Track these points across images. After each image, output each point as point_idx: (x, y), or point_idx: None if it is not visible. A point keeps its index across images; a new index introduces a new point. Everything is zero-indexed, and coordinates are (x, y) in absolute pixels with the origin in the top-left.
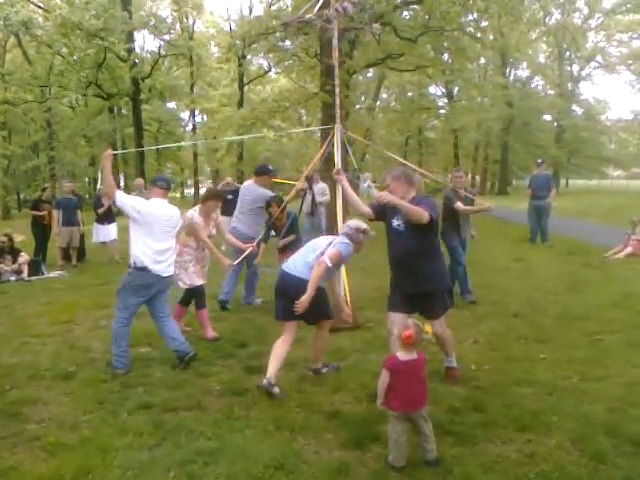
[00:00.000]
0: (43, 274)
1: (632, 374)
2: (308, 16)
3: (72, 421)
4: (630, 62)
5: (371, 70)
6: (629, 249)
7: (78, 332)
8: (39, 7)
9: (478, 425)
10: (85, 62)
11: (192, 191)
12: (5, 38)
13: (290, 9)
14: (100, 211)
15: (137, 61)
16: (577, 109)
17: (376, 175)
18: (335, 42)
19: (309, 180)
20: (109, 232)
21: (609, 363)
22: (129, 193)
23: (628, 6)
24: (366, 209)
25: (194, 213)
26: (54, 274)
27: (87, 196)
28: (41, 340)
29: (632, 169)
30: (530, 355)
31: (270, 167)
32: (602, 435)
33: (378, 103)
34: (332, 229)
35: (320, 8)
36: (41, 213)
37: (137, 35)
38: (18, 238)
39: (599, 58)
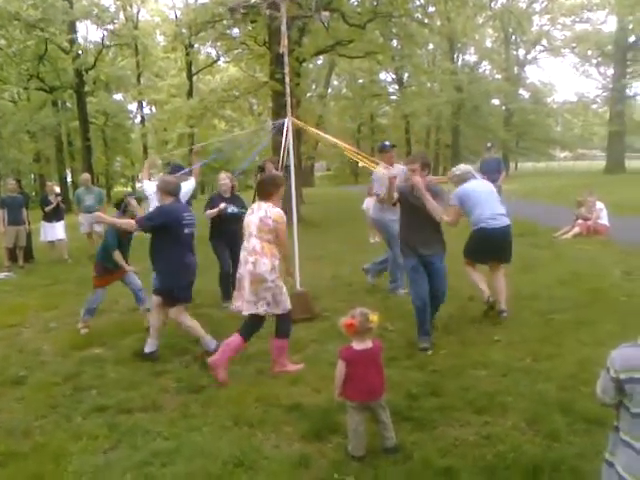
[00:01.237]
0: None
1: (583, 352)
2: (254, 0)
3: (24, 427)
4: (574, 45)
5: (321, 57)
6: (577, 229)
7: (27, 335)
8: None
9: (436, 409)
10: (25, 54)
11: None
12: None
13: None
14: (48, 209)
15: (80, 52)
16: (524, 93)
17: (330, 163)
18: (284, 29)
19: (262, 170)
20: (57, 231)
21: (561, 341)
22: (76, 189)
23: None
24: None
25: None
26: (0, 275)
27: (33, 194)
28: None
29: (578, 150)
30: (484, 337)
31: None
32: (556, 414)
33: (329, 90)
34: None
35: None
36: None
37: (79, 25)
38: None
39: (544, 42)
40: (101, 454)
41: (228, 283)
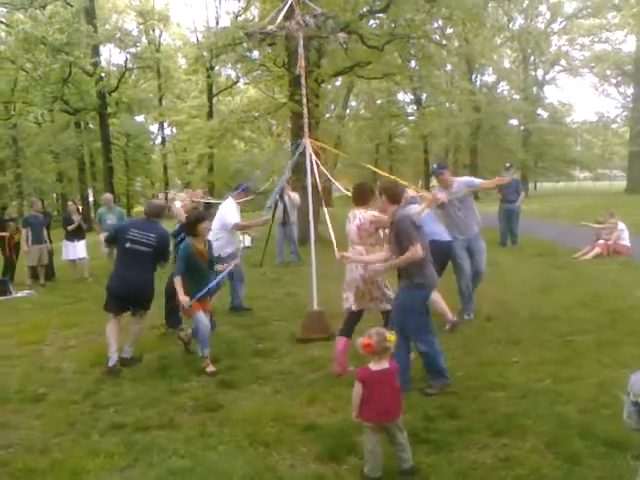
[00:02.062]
0: (10, 294)
1: (603, 374)
2: (270, 27)
3: (42, 445)
4: (592, 65)
5: (340, 78)
6: (597, 250)
7: (48, 352)
8: (1, 22)
9: (453, 432)
10: (50, 77)
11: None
12: None
13: (257, 19)
14: (70, 228)
15: (103, 75)
16: (543, 113)
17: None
18: (301, 51)
19: (281, 190)
20: (78, 250)
21: (580, 363)
22: (97, 208)
23: (589, 10)
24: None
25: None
26: (22, 294)
27: (55, 213)
28: (9, 362)
29: (598, 170)
30: (503, 358)
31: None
32: (576, 437)
33: (347, 111)
34: (304, 239)
35: (284, 19)
36: (5, 234)
37: (103, 49)
38: None
39: (563, 62)
40: (117, 472)
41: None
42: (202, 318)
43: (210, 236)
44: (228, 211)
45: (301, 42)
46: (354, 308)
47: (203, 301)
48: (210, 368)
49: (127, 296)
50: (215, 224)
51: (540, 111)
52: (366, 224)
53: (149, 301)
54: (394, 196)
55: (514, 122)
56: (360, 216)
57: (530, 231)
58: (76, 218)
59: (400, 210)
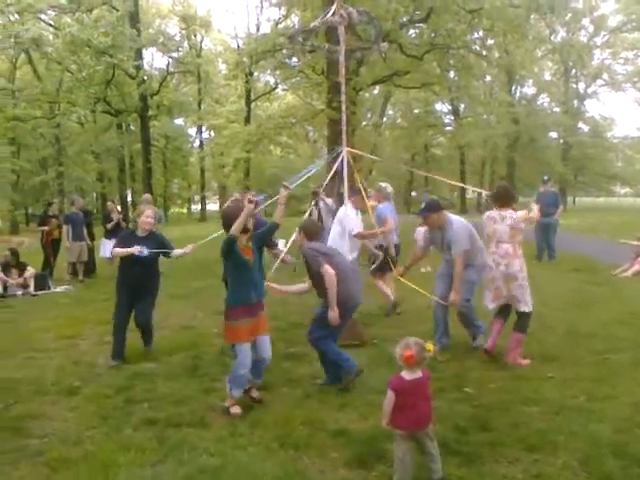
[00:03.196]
0: (49, 288)
1: (639, 394)
2: (313, 24)
3: (75, 436)
4: (636, 80)
5: (377, 87)
6: (637, 267)
7: (83, 347)
8: (49, 25)
9: (484, 444)
10: (94, 79)
11: (199, 207)
12: (16, 55)
13: (297, 26)
14: (109, 226)
15: (145, 78)
16: (583, 126)
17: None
18: (342, 60)
19: (315, 196)
20: None
21: (616, 382)
22: (136, 208)
23: (633, 24)
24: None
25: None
26: (60, 289)
27: (95, 211)
28: (46, 355)
29: (639, 186)
30: (537, 373)
31: None
32: (609, 456)
33: (384, 120)
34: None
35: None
36: (46, 228)
37: (146, 52)
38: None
39: (605, 76)
40: (149, 467)
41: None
42: (246, 350)
43: (330, 242)
44: (349, 218)
45: (342, 51)
46: (490, 307)
47: (254, 313)
48: (234, 409)
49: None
50: (334, 230)
51: (581, 125)
52: (520, 223)
53: None
54: (311, 234)
55: (553, 135)
56: (512, 216)
57: (568, 246)
58: (115, 217)
59: (306, 244)
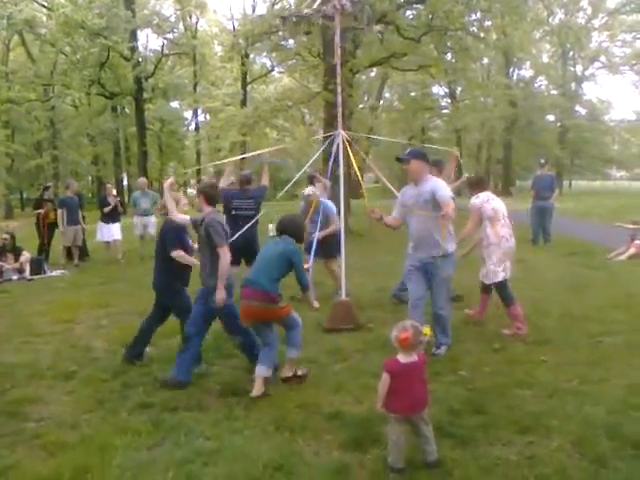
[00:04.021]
0: (45, 273)
1: (633, 376)
2: (306, 11)
3: (72, 420)
4: (634, 62)
5: (374, 69)
6: (632, 250)
7: (79, 331)
8: (43, 6)
9: (478, 427)
10: (88, 61)
11: (194, 191)
12: (9, 37)
13: (293, 8)
14: (106, 210)
15: (140, 60)
16: (580, 109)
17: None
18: (337, 40)
19: (312, 180)
20: (113, 231)
21: (610, 365)
22: (131, 192)
23: (632, 6)
24: None
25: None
26: (56, 273)
27: (90, 195)
28: (42, 339)
29: (635, 170)
30: (531, 357)
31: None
32: (603, 438)
33: (381, 102)
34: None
35: (320, 4)
36: (39, 211)
37: (140, 34)
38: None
39: (603, 58)
40: (145, 450)
41: None
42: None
43: None
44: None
45: (338, 31)
46: (500, 278)
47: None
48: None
49: None
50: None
51: (578, 108)
52: None
53: None
54: (210, 197)
55: (551, 118)
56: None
57: (563, 230)
58: (112, 200)
59: (212, 213)
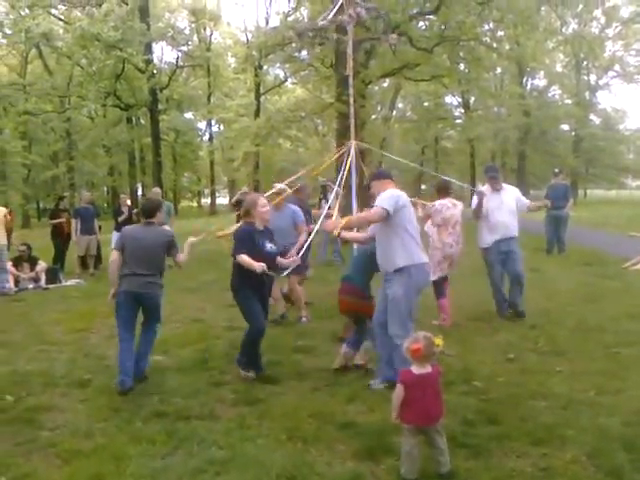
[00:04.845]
0: (60, 282)
1: None
2: (321, 22)
3: (86, 428)
4: None
5: (387, 80)
6: None
7: (94, 340)
8: (59, 19)
9: (492, 438)
10: (104, 73)
11: (209, 200)
12: (27, 50)
13: (306, 20)
14: (120, 219)
15: (155, 72)
16: (595, 118)
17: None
18: (350, 52)
19: (325, 190)
20: None
21: (626, 376)
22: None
23: None
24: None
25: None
26: (71, 282)
27: (105, 205)
28: (57, 348)
29: None
30: (546, 367)
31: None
32: (619, 450)
33: (394, 113)
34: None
35: (334, 15)
36: (57, 221)
37: (155, 46)
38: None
39: (617, 67)
40: (159, 459)
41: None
42: None
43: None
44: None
45: (350, 43)
46: (432, 279)
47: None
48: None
49: None
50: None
51: (592, 117)
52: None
53: None
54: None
55: (565, 127)
56: (459, 204)
57: (578, 239)
58: (126, 210)
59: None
